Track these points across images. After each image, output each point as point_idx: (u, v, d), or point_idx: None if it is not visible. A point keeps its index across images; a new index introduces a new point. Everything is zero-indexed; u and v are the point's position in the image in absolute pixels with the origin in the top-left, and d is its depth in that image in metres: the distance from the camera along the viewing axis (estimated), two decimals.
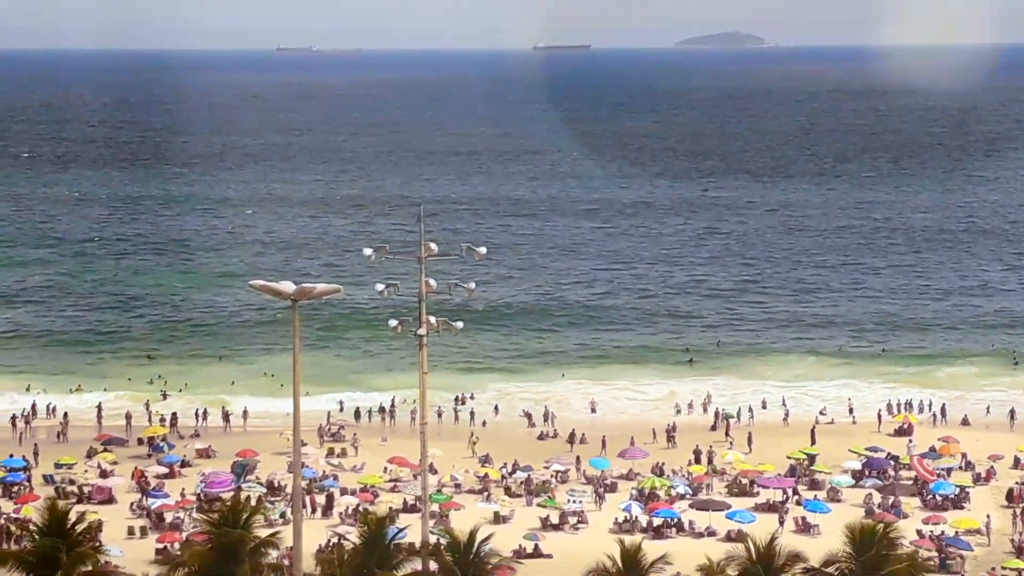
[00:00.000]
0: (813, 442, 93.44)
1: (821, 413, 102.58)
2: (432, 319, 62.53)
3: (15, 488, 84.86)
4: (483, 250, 65.22)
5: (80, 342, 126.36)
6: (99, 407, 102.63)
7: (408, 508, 79.58)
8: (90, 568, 50.56)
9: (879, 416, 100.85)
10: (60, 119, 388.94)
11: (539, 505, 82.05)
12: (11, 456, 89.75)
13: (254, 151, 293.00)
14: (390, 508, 76.16)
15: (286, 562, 56.51)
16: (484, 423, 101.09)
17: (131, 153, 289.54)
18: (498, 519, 78.93)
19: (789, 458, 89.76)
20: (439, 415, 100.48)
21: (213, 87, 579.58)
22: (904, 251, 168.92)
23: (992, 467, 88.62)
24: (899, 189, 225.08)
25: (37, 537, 51.04)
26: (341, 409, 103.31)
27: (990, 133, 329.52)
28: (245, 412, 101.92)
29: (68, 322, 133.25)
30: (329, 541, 73.56)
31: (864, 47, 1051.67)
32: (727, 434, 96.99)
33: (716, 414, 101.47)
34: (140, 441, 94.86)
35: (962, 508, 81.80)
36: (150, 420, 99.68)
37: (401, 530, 57.17)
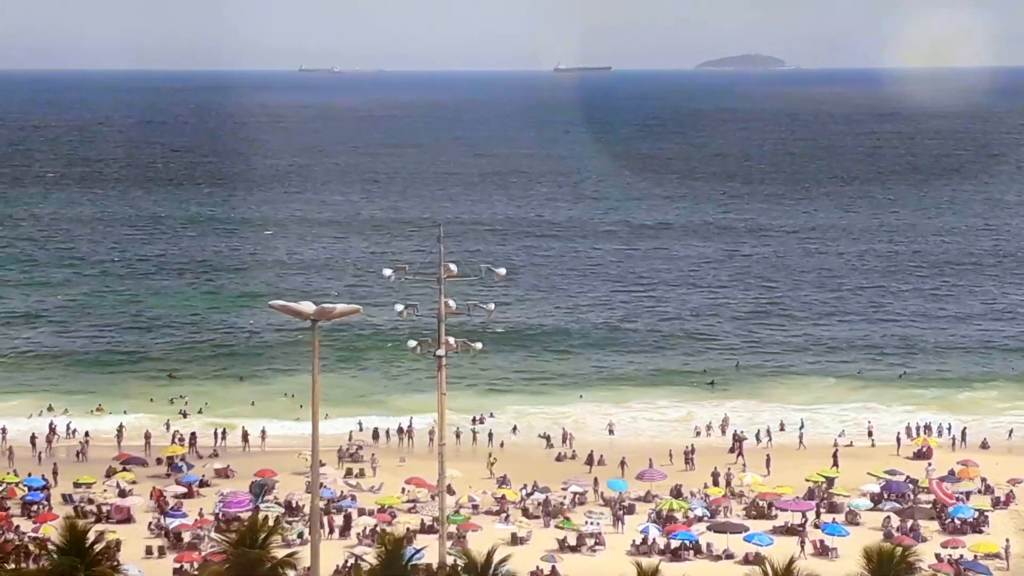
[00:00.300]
0: (835, 465, 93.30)
1: (840, 436, 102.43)
2: (451, 340, 62.73)
3: (34, 507, 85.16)
4: (503, 271, 65.46)
5: (101, 362, 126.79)
6: (120, 427, 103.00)
7: (426, 529, 79.65)
8: None
9: (898, 439, 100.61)
10: (85, 139, 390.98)
11: (557, 527, 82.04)
12: (30, 475, 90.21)
13: (276, 172, 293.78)
14: (407, 529, 76.34)
15: None
16: (502, 444, 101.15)
17: (154, 173, 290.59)
18: (516, 540, 78.93)
19: (807, 480, 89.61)
20: (457, 436, 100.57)
21: (236, 107, 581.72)
22: (924, 274, 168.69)
23: (1012, 491, 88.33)
24: (920, 212, 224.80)
25: (56, 556, 51.30)
26: (360, 429, 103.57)
27: (1012, 156, 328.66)
28: (263, 432, 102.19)
29: (89, 342, 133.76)
30: (347, 562, 73.66)
31: (884, 70, 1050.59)
32: (739, 455, 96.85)
33: (733, 436, 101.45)
34: (159, 461, 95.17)
35: (981, 532, 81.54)
36: (173, 440, 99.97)
37: (418, 551, 57.33)
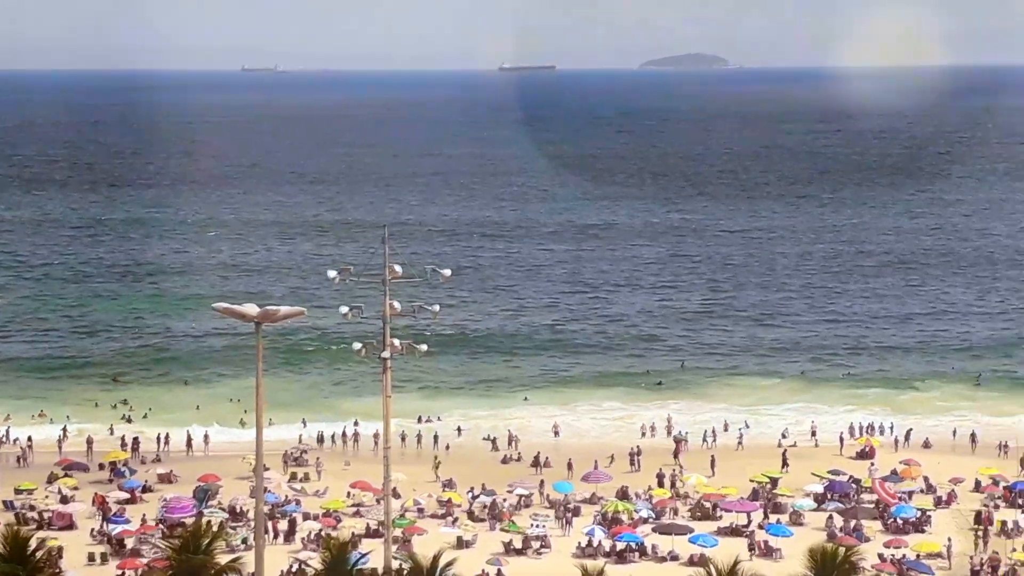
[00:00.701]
0: (785, 465, 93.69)
1: (783, 436, 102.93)
2: (396, 342, 62.58)
3: None
4: (448, 272, 65.40)
5: (43, 368, 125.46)
6: (63, 431, 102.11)
7: (371, 533, 79.40)
8: None
9: (841, 439, 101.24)
10: (23, 140, 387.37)
11: (502, 530, 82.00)
12: None
13: (219, 173, 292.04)
14: (353, 533, 76.01)
15: None
16: (448, 447, 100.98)
17: (95, 175, 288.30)
18: (461, 544, 78.82)
19: (752, 481, 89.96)
20: (402, 439, 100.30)
21: (178, 107, 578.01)
22: (867, 275, 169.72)
23: (953, 490, 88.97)
24: (862, 212, 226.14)
25: None
26: (304, 426, 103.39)
27: (950, 156, 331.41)
28: (206, 436, 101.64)
29: (31, 347, 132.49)
30: (291, 567, 73.37)
31: (827, 68, 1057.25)
32: (676, 456, 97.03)
33: (674, 438, 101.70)
34: (101, 466, 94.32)
35: (923, 532, 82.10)
36: (122, 445, 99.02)
37: (364, 555, 57.09)
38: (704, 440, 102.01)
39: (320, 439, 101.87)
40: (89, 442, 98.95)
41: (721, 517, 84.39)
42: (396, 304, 61.64)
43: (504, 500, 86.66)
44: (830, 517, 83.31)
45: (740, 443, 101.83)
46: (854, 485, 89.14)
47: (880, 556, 76.33)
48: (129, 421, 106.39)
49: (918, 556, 77.06)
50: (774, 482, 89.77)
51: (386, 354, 61.99)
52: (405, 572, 54.12)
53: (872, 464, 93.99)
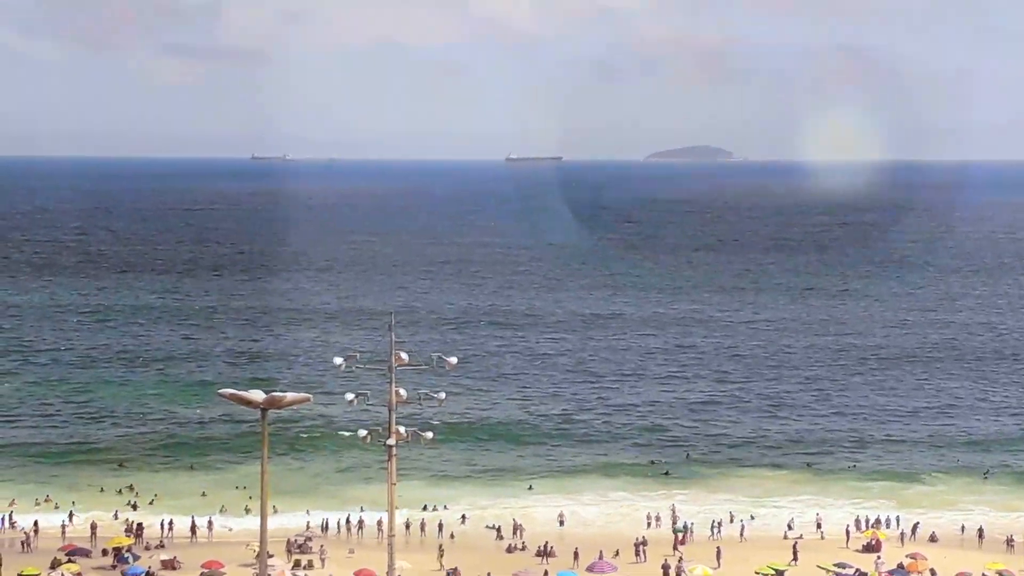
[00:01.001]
0: (795, 558, 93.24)
1: (789, 527, 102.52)
2: (402, 429, 62.67)
3: None
4: (454, 360, 65.57)
5: (49, 453, 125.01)
6: (68, 516, 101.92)
7: None
8: None
9: (847, 532, 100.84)
10: (36, 225, 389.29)
11: None
12: None
13: (227, 259, 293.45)
14: None
15: None
16: (452, 535, 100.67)
17: (105, 261, 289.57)
18: None
19: (757, 573, 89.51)
20: (407, 527, 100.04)
21: (188, 195, 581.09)
22: (873, 368, 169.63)
23: None
24: (868, 305, 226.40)
25: None
26: (307, 515, 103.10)
27: (956, 251, 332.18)
28: (210, 523, 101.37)
29: (37, 432, 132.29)
30: None
31: (833, 162, 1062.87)
32: (675, 548, 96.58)
33: (673, 529, 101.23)
34: (105, 552, 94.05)
35: None
36: (127, 530, 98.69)
37: None
38: (711, 531, 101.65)
39: (324, 526, 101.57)
40: (93, 527, 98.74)
41: None
42: (402, 391, 61.85)
43: None
44: None
45: (743, 535, 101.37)
46: None
47: None
48: (135, 507, 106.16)
49: None
50: (780, 574, 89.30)
51: (391, 441, 62.10)
52: None
53: (879, 557, 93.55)
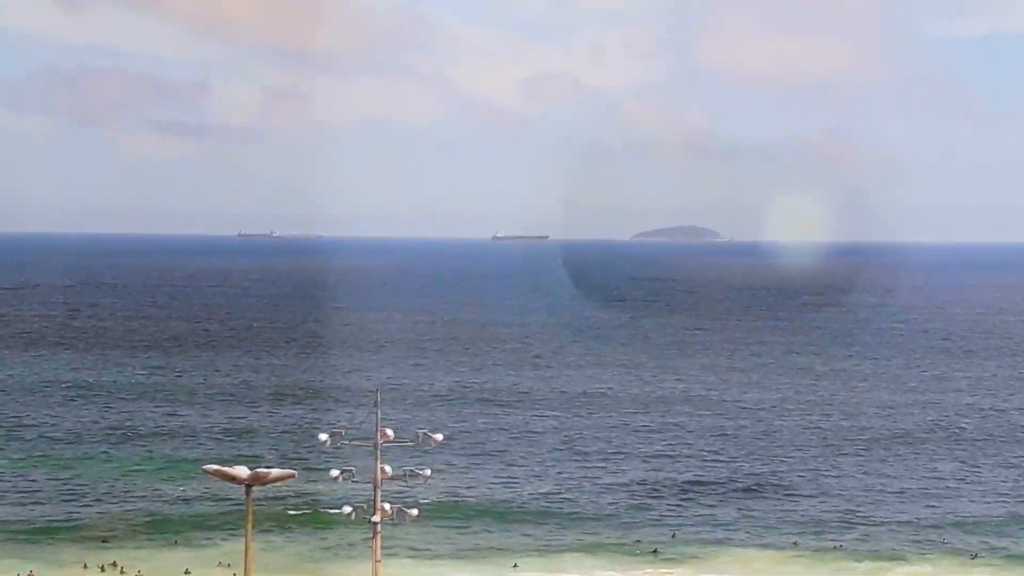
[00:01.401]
0: None
1: None
2: (387, 506, 62.49)
3: None
4: (440, 436, 65.52)
5: (33, 530, 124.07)
6: None
7: None
8: None
9: None
10: (23, 301, 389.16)
11: None
12: None
13: (214, 335, 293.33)
14: None
15: None
16: None
17: (91, 337, 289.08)
18: None
19: None
20: None
21: (175, 271, 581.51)
22: (859, 448, 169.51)
23: None
24: (854, 386, 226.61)
25: None
26: None
27: (943, 332, 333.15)
28: None
29: (21, 509, 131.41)
30: None
31: (819, 243, 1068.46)
32: None
33: None
34: None
35: None
36: None
37: None
38: None
39: None
40: None
41: None
42: (387, 468, 61.73)
43: None
44: None
45: None
46: None
47: None
48: None
49: None
50: None
51: (376, 518, 61.90)
52: None
53: None
